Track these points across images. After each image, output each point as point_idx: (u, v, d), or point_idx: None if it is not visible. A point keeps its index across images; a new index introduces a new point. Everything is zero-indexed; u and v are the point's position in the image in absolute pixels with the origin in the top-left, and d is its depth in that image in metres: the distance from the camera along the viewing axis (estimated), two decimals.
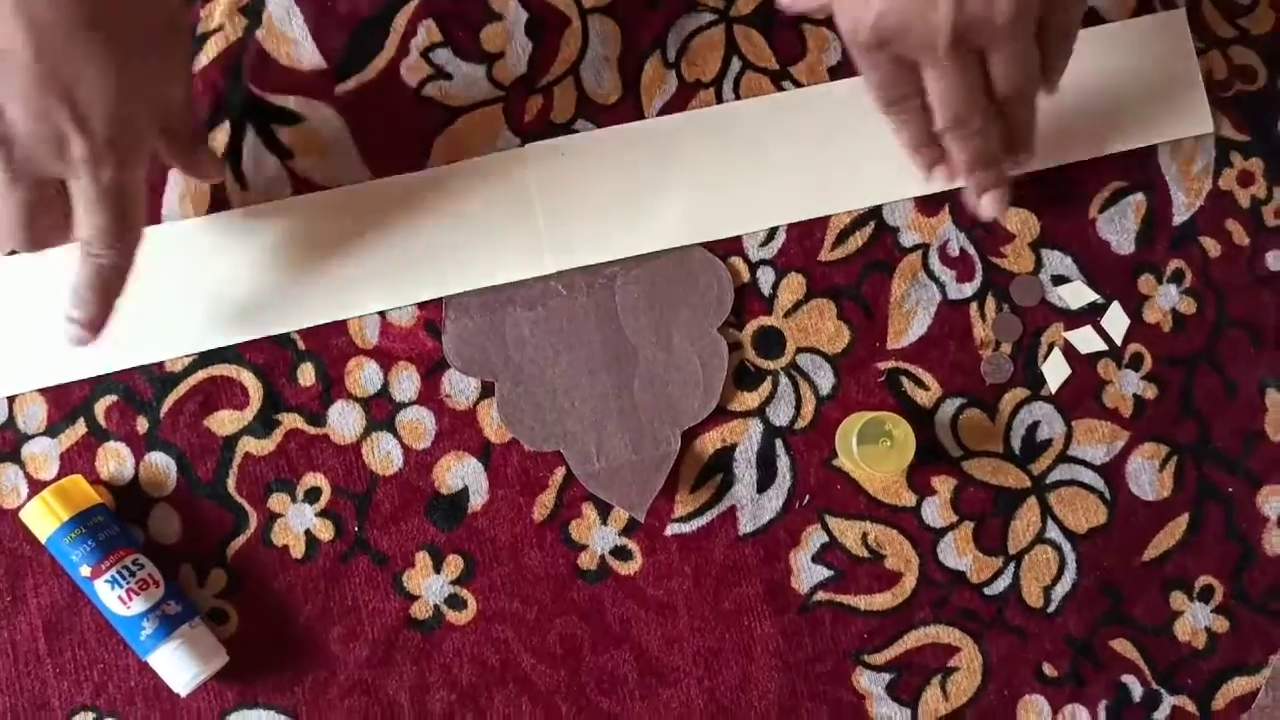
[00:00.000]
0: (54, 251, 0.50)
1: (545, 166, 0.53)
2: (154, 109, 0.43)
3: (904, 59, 0.45)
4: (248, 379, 0.52)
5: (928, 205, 0.55)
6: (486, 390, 0.53)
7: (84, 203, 0.42)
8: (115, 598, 0.49)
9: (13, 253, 0.48)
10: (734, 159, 0.54)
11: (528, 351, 0.53)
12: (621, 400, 0.52)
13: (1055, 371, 0.54)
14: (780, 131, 0.54)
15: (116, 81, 0.39)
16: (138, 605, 0.49)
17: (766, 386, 0.54)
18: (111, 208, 0.42)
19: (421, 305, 0.53)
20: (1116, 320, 0.55)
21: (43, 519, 0.49)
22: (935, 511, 0.54)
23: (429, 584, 0.52)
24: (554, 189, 0.53)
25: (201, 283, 0.52)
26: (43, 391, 0.52)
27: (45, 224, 0.43)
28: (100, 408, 0.52)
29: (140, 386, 0.52)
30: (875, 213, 0.54)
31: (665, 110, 0.54)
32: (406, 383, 0.53)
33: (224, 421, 0.52)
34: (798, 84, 0.54)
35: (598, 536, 0.53)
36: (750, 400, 0.54)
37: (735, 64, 0.55)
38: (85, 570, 0.49)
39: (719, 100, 0.54)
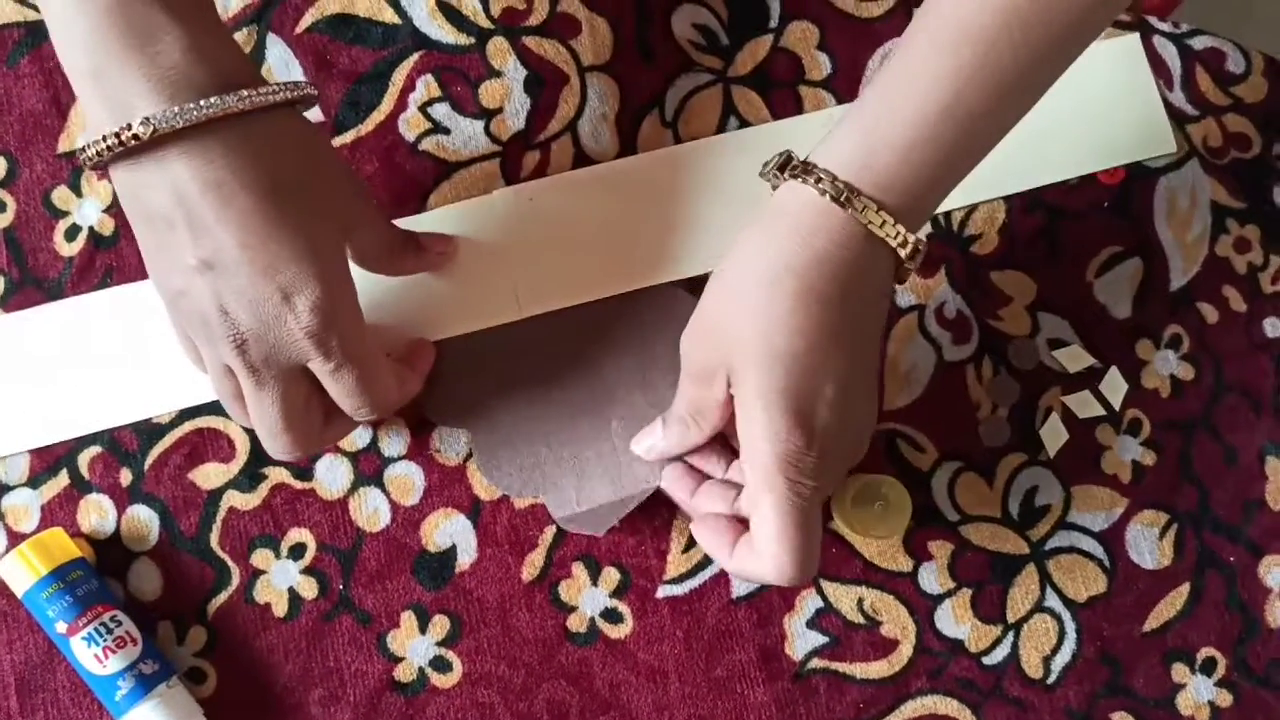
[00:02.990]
0: (32, 313, 0.50)
1: (514, 212, 0.53)
2: (341, 249, 0.43)
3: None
4: (235, 431, 0.52)
5: (924, 266, 0.55)
6: None
7: (326, 376, 0.42)
8: (91, 655, 0.47)
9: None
10: (706, 194, 0.54)
11: (503, 397, 0.52)
12: (600, 443, 0.51)
13: (1053, 436, 0.54)
14: (757, 163, 0.53)
15: (310, 251, 0.40)
16: (114, 664, 0.47)
17: None
18: (352, 367, 0.42)
19: None
20: (1114, 385, 0.54)
21: (20, 573, 0.48)
22: (933, 577, 0.53)
23: (414, 645, 0.51)
24: (524, 234, 0.53)
25: None
26: None
27: (305, 417, 0.43)
28: (84, 459, 0.51)
29: (125, 438, 0.51)
30: None
31: None
32: (395, 437, 0.52)
33: (209, 475, 0.51)
34: None
35: (587, 598, 0.52)
36: None
37: (733, 122, 0.55)
38: (61, 627, 0.47)
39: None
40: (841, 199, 0.41)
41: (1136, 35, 0.56)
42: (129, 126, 0.37)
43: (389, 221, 0.48)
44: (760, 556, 0.42)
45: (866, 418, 0.46)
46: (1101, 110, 0.56)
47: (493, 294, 0.52)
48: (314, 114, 0.53)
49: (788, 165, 0.43)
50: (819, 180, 0.42)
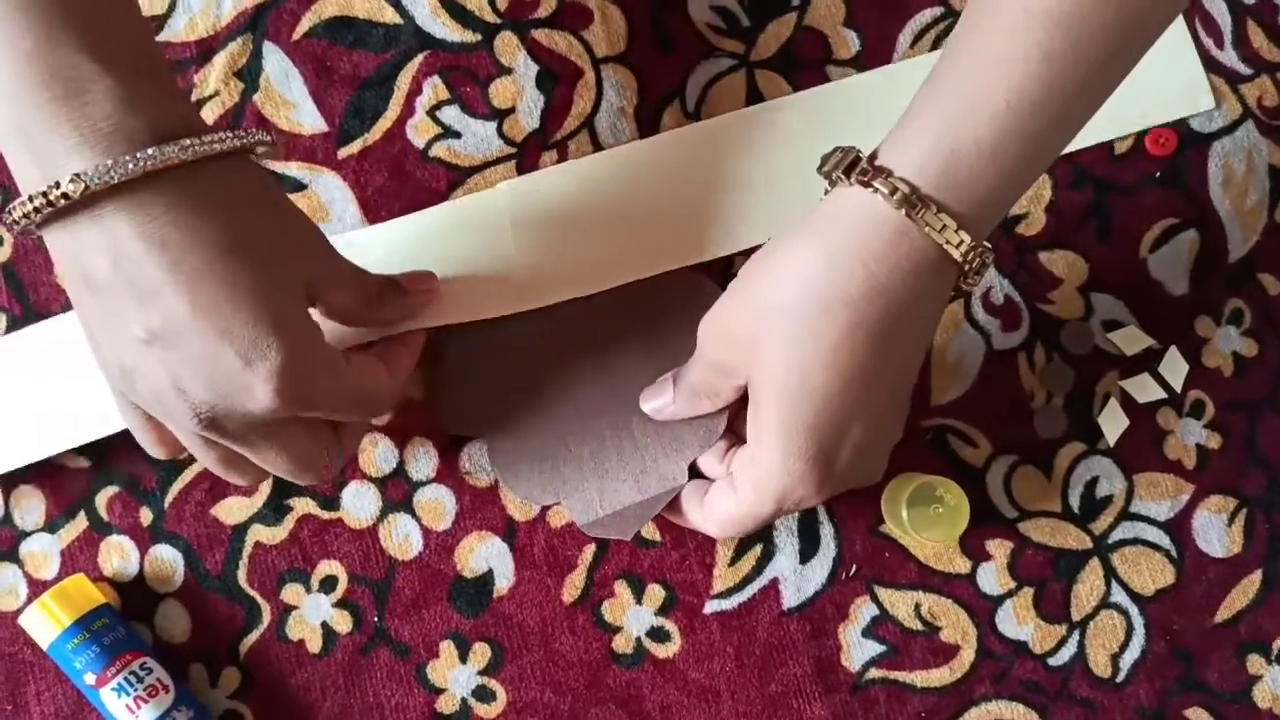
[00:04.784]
0: (40, 331, 0.48)
1: (520, 203, 0.50)
2: (303, 304, 0.39)
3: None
4: None
5: None
6: None
7: (319, 421, 0.40)
8: (122, 706, 0.46)
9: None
10: (721, 176, 0.50)
11: (518, 401, 0.49)
12: (621, 441, 0.49)
13: (1112, 423, 0.51)
14: (772, 139, 0.51)
15: (268, 311, 0.36)
16: (146, 714, 0.46)
17: None
18: (339, 409, 0.39)
19: None
20: (1175, 366, 0.51)
21: (43, 625, 0.46)
22: (992, 578, 0.50)
23: (455, 675, 0.49)
24: (531, 225, 0.50)
25: None
26: (40, 485, 0.49)
27: (317, 451, 0.41)
28: (101, 500, 0.49)
29: (143, 475, 0.49)
30: None
31: None
32: (423, 460, 0.50)
33: (232, 509, 0.49)
34: None
35: (632, 617, 0.50)
36: None
37: None
38: (90, 678, 0.46)
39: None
40: (917, 215, 0.37)
41: None
42: (57, 185, 0.33)
43: (361, 271, 0.44)
44: (704, 524, 0.45)
45: (889, 442, 0.43)
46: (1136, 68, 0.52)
47: (497, 285, 0.49)
48: (318, 124, 0.51)
49: (854, 167, 0.39)
50: (894, 191, 0.37)
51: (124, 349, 0.36)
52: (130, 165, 0.34)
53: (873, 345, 0.38)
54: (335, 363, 0.39)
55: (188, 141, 0.35)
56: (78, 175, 0.33)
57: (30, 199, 0.34)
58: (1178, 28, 0.53)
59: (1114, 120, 0.52)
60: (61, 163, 0.34)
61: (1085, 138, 0.51)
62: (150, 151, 0.34)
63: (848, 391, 0.39)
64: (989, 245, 0.39)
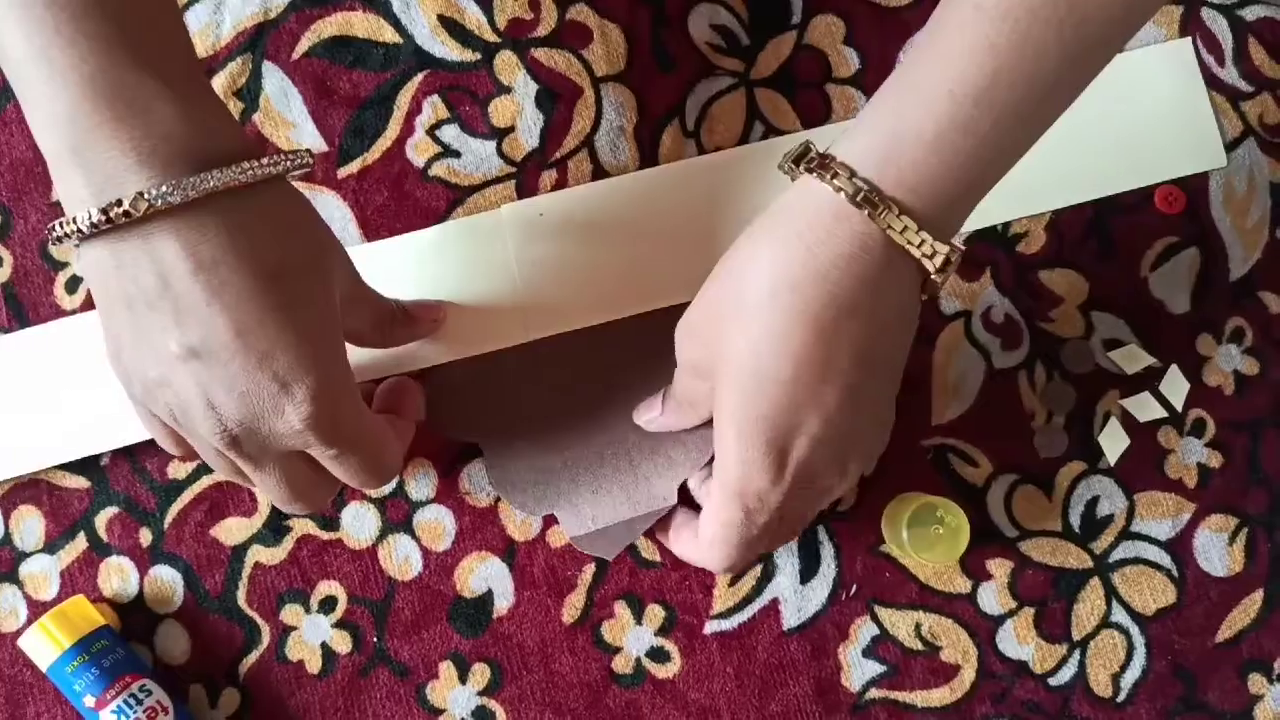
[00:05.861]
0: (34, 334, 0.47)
1: (523, 228, 0.50)
2: (338, 329, 0.39)
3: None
4: None
5: (968, 269, 0.52)
6: None
7: (328, 461, 0.39)
8: None
9: None
10: (729, 209, 0.50)
11: (517, 410, 0.49)
12: (618, 458, 0.49)
13: (1113, 442, 0.51)
14: (778, 178, 0.50)
15: (307, 335, 0.36)
16: None
17: None
18: (355, 452, 0.39)
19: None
20: (1175, 384, 0.51)
21: (43, 647, 0.46)
22: (992, 597, 0.50)
23: (454, 696, 0.49)
24: (534, 251, 0.49)
25: None
26: (40, 506, 0.49)
27: (315, 485, 0.40)
28: (101, 521, 0.49)
29: (142, 496, 0.49)
30: None
31: None
32: (423, 480, 0.50)
33: (232, 530, 0.49)
34: None
35: (632, 638, 0.50)
36: None
37: (758, 128, 0.52)
38: (89, 700, 0.46)
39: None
40: (858, 198, 0.37)
41: (1189, 40, 0.52)
42: (119, 203, 0.33)
43: (378, 295, 0.44)
44: (699, 553, 0.44)
45: (863, 450, 0.42)
46: (1149, 121, 0.52)
47: (500, 316, 0.49)
48: (317, 144, 0.51)
49: (804, 157, 0.39)
50: (834, 176, 0.37)
51: (153, 362, 0.36)
52: (194, 187, 0.34)
53: (820, 332, 0.38)
54: (361, 401, 0.40)
55: (248, 165, 0.35)
56: (140, 194, 0.33)
57: (89, 214, 0.34)
58: (1193, 82, 0.52)
59: (1123, 173, 0.52)
60: (120, 181, 0.34)
61: (1093, 190, 0.51)
62: (214, 173, 0.34)
63: (798, 381, 0.38)
64: (957, 245, 0.38)
